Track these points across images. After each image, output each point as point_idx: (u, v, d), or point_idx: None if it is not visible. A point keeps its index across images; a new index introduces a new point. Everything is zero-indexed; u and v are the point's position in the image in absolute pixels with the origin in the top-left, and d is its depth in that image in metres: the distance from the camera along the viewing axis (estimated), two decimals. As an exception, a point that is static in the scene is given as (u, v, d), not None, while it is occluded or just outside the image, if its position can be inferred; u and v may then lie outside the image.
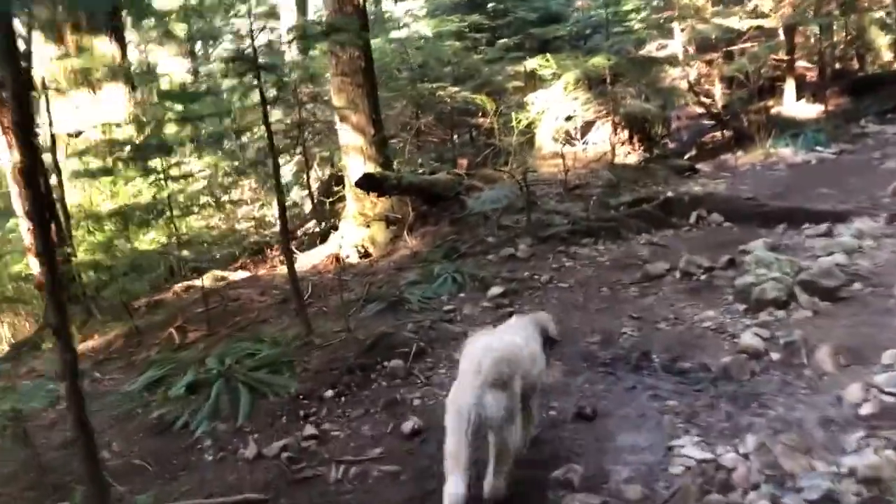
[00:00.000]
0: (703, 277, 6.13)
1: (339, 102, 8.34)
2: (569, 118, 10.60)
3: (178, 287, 6.76)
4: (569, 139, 10.87)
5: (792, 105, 15.32)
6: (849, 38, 17.79)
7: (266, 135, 4.76)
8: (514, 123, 9.90)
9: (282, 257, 8.90)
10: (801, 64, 16.43)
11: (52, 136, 7.06)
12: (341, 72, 8.25)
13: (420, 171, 10.15)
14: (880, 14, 18.16)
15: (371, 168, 8.24)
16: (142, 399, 4.45)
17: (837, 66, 17.67)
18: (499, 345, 3.05)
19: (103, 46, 9.21)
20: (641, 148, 11.10)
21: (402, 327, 5.10)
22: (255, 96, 4.82)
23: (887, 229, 6.61)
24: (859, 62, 18.80)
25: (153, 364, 4.87)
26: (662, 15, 11.87)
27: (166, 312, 6.25)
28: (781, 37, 15.86)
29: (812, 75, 17.71)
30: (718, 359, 4.41)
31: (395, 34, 14.63)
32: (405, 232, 8.11)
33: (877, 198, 7.84)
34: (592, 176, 9.64)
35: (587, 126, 10.98)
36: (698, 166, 11.38)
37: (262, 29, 4.87)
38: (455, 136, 12.01)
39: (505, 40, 12.22)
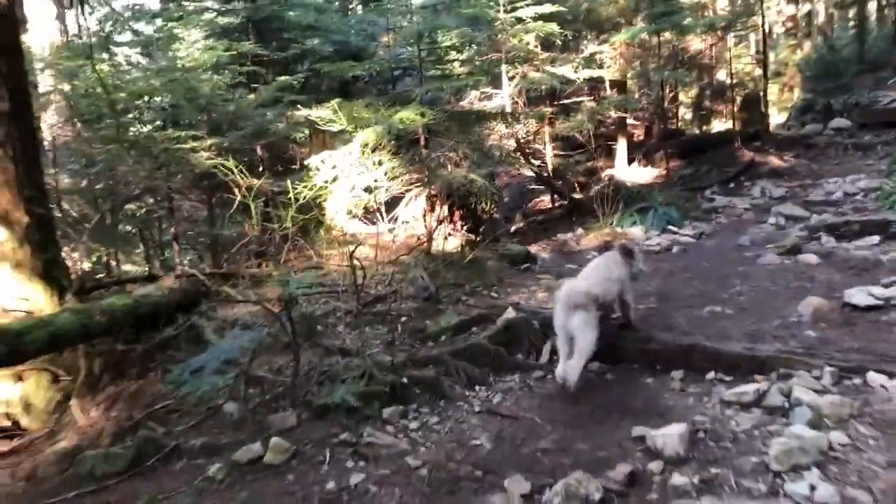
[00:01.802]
0: (599, 523, 3.35)
1: (-37, 171, 4.78)
2: (369, 189, 7.68)
3: None
4: (370, 218, 7.96)
5: (625, 168, 13.65)
6: (672, 94, 16.66)
7: None
8: (290, 196, 6.80)
9: None
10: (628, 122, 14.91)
11: None
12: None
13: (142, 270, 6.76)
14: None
15: (24, 284, 4.75)
16: None
17: (661, 125, 16.52)
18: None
19: None
20: (465, 228, 8.43)
21: None
22: None
23: (846, 396, 4.25)
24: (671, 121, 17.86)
25: None
26: (489, 57, 9.44)
27: None
28: (608, 91, 14.29)
29: (639, 134, 16.41)
30: None
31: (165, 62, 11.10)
32: (77, 396, 4.66)
33: (790, 323, 5.60)
34: (401, 276, 6.74)
35: (396, 199, 8.14)
36: (534, 249, 8.94)
37: None
38: (219, 208, 8.70)
39: (285, 78, 9.13)
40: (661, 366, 5.16)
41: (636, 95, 15.24)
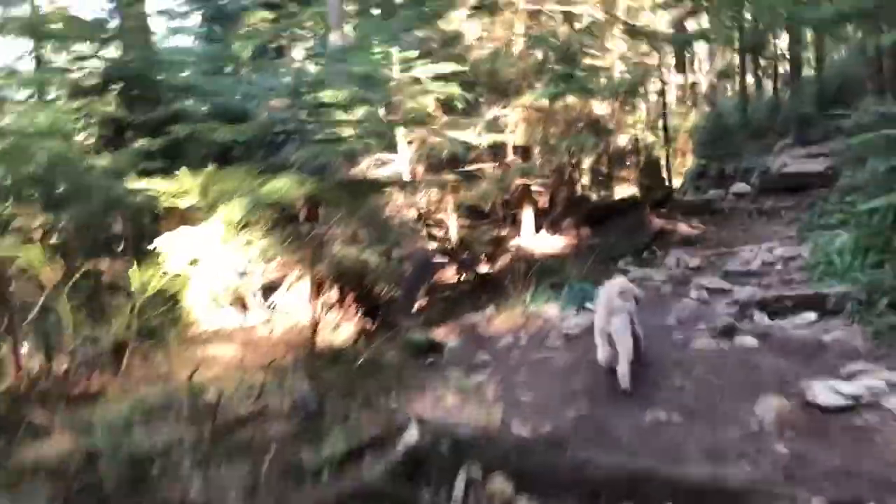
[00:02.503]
0: None
1: None
2: (241, 274, 6.37)
3: None
4: (243, 306, 6.62)
5: (532, 238, 12.86)
6: (575, 160, 16.12)
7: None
8: (134, 286, 5.40)
9: None
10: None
11: None
12: None
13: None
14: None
15: None
16: None
17: (567, 191, 15.96)
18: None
19: None
20: (359, 313, 7.22)
21: None
22: None
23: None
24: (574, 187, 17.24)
25: None
26: (384, 119, 8.43)
27: None
28: (511, 156, 13.62)
29: (544, 202, 15.79)
30: None
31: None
32: None
33: (753, 434, 4.64)
34: (275, 383, 5.41)
35: (275, 283, 6.85)
36: (440, 335, 7.80)
37: None
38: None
39: (143, 142, 7.76)
40: (606, 499, 4.06)
41: (538, 161, 14.58)
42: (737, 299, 8.23)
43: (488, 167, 11.26)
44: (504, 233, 13.31)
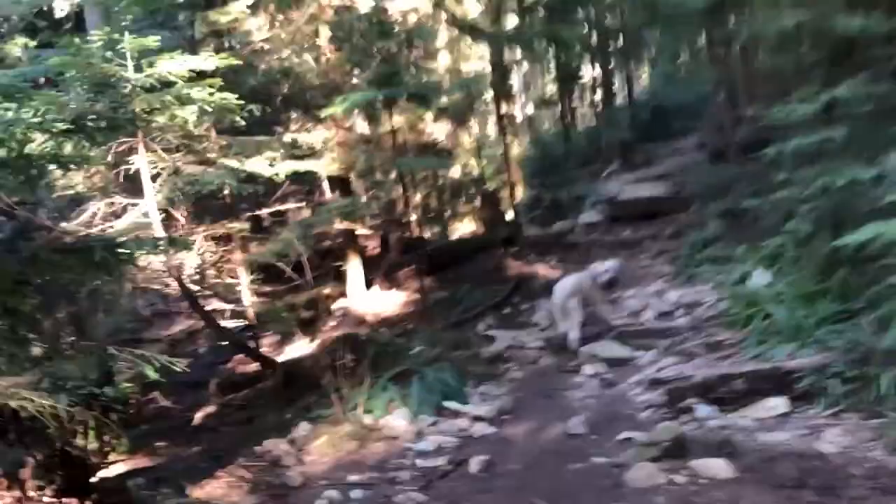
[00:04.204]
0: None
1: None
2: None
3: None
4: None
5: (362, 296, 9.98)
6: (406, 194, 13.46)
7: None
8: None
9: None
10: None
11: None
12: None
13: None
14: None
15: None
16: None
17: (401, 232, 13.25)
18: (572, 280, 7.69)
19: None
20: (57, 489, 3.93)
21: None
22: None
23: None
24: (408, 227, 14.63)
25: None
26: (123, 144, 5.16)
27: None
28: (329, 194, 10.79)
29: (373, 247, 13.02)
30: None
31: None
32: None
33: None
34: None
35: None
36: (217, 496, 4.66)
37: None
38: None
39: None
40: None
41: (363, 198, 11.76)
42: (653, 377, 5.84)
43: (293, 207, 8.30)
44: (326, 291, 10.28)
